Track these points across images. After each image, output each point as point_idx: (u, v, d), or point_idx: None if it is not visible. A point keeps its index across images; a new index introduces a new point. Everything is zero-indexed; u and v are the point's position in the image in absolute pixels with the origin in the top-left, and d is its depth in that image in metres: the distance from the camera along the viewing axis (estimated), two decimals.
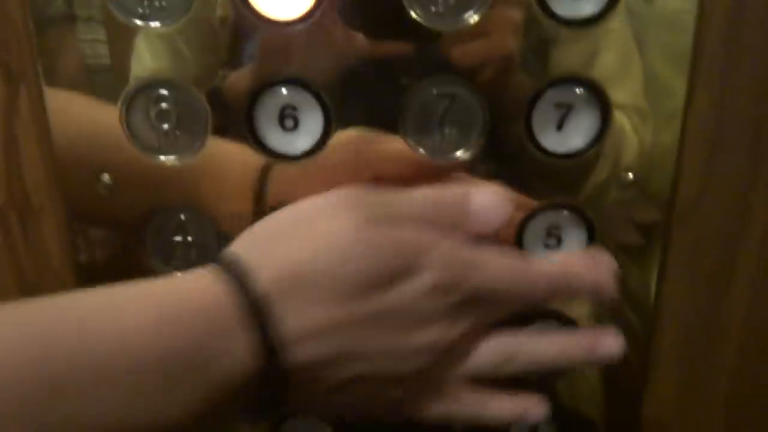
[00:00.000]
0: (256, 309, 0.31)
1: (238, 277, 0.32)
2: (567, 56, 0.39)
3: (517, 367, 0.38)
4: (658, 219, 0.43)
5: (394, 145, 0.39)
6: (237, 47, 0.40)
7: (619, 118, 0.40)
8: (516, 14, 0.38)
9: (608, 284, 0.38)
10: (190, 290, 0.32)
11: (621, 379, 0.48)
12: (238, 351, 0.31)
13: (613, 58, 0.39)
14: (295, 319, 0.32)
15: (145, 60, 0.40)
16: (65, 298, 0.30)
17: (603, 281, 0.38)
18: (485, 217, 0.36)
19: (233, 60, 0.40)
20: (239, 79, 0.40)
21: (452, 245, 0.35)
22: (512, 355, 0.37)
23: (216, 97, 0.41)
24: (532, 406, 0.39)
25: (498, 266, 0.36)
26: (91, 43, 0.40)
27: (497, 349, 0.37)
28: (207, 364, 0.30)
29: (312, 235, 0.34)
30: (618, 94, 0.40)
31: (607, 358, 0.38)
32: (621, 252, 0.43)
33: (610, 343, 0.38)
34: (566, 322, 0.46)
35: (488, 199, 0.36)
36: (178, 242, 0.44)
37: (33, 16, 0.40)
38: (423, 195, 0.36)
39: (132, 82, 0.41)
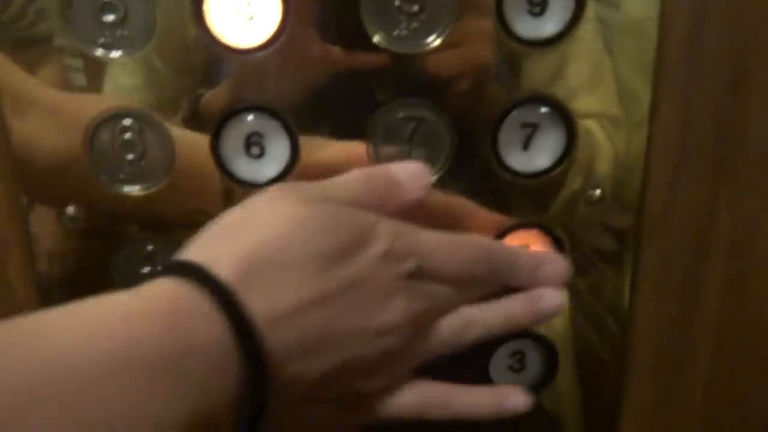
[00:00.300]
0: (222, 298, 0.30)
1: (196, 274, 0.30)
2: (534, 73, 0.39)
3: (472, 337, 0.38)
4: (631, 224, 0.43)
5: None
6: (207, 70, 0.40)
7: (592, 127, 0.40)
8: (479, 37, 0.38)
9: (549, 271, 0.39)
10: (148, 295, 0.30)
11: (599, 385, 0.48)
12: (214, 347, 0.29)
13: (584, 67, 0.39)
14: (265, 304, 0.31)
15: (119, 77, 0.40)
16: (19, 320, 0.28)
17: (545, 264, 0.39)
18: (411, 185, 0.37)
19: (207, 79, 0.40)
20: (215, 98, 0.40)
21: (393, 220, 0.36)
22: (465, 326, 0.38)
23: (182, 127, 0.40)
24: (511, 395, 0.39)
25: (440, 235, 0.37)
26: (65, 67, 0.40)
27: (452, 323, 0.37)
28: (182, 364, 0.28)
29: (261, 224, 0.33)
30: (590, 103, 0.40)
31: (549, 313, 0.39)
32: (595, 257, 0.44)
33: (549, 299, 0.39)
34: (545, 345, 0.46)
35: (410, 169, 0.38)
36: (146, 273, 0.44)
37: None
38: (352, 176, 0.37)
39: (96, 113, 0.40)
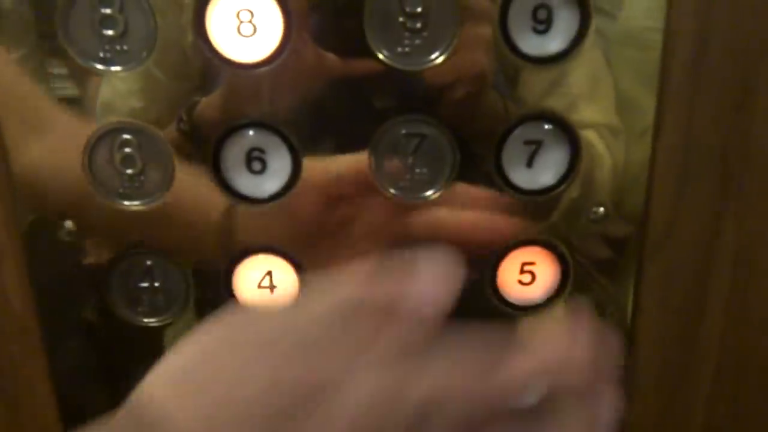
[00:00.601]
0: None
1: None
2: (533, 83, 0.39)
3: None
4: (632, 237, 0.43)
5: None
6: (207, 80, 0.39)
7: (591, 137, 0.40)
8: (483, 53, 0.38)
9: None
10: None
11: None
12: None
13: (583, 76, 0.39)
14: None
15: (116, 83, 0.39)
16: None
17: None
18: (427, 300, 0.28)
19: (206, 88, 0.39)
20: (210, 106, 0.39)
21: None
22: None
23: (181, 141, 0.40)
24: None
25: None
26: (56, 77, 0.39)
27: None
28: None
29: (224, 373, 0.28)
30: (589, 112, 0.40)
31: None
32: (596, 272, 0.43)
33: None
34: None
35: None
36: (145, 288, 0.43)
37: None
38: (332, 299, 0.28)
39: (96, 127, 0.40)
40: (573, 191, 0.41)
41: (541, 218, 0.42)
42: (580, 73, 0.39)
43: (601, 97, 0.39)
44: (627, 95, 0.40)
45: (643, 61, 0.39)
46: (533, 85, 0.39)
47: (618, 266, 0.44)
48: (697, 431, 0.48)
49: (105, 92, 0.40)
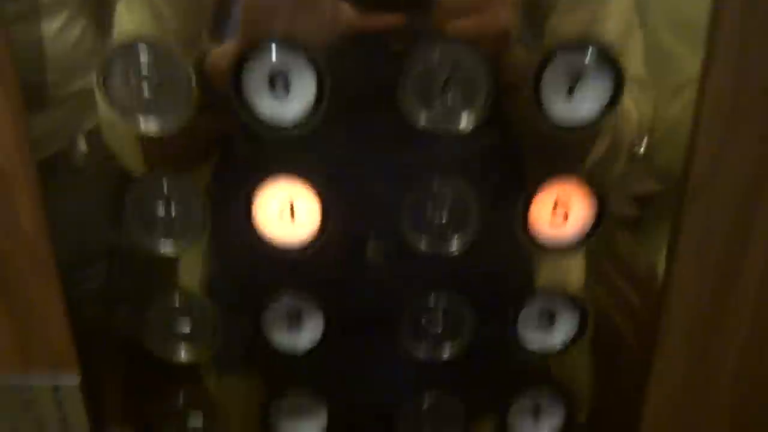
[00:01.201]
0: None
1: None
2: (569, 24, 0.37)
3: None
4: (660, 191, 0.41)
5: None
6: (222, 8, 0.37)
7: None
8: None
9: None
10: None
11: (623, 370, 0.47)
12: None
13: (613, 27, 0.37)
14: None
15: (124, 25, 0.37)
16: None
17: None
18: None
19: (218, 24, 0.37)
20: (225, 53, 0.37)
21: None
22: None
23: (200, 62, 0.38)
24: None
25: None
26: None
27: None
28: None
29: None
30: None
31: None
32: (627, 233, 0.42)
33: None
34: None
35: None
36: (160, 214, 0.42)
37: None
38: None
39: (110, 46, 0.38)
40: (601, 144, 0.39)
41: (577, 156, 0.40)
42: (611, 22, 0.37)
43: (630, 49, 0.37)
44: (661, 49, 0.37)
45: (681, 12, 0.37)
46: (566, 31, 0.37)
47: (653, 216, 0.42)
48: (727, 379, 0.47)
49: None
